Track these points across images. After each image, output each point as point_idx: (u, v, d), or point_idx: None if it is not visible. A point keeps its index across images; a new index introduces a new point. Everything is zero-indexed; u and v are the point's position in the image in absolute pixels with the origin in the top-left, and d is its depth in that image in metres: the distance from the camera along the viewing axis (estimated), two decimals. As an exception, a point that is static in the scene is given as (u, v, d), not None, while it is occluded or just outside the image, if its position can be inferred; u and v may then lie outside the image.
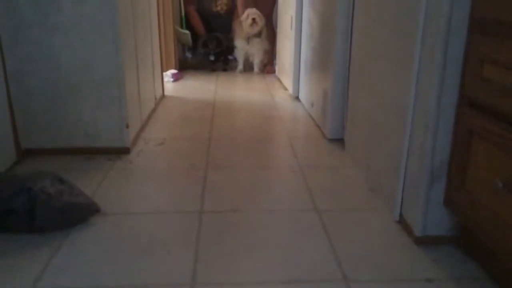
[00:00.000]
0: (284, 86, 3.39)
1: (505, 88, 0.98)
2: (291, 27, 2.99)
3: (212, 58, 4.02)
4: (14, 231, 1.34)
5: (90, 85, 1.88)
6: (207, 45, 3.99)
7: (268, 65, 4.05)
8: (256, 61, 4.00)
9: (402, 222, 1.42)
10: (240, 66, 4.06)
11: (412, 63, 1.29)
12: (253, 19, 3.74)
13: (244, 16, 3.80)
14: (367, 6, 1.72)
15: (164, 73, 3.22)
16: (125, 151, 1.99)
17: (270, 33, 3.96)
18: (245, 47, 3.95)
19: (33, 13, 1.78)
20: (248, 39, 3.88)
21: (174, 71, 3.67)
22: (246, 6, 3.92)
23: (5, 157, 1.78)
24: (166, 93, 3.13)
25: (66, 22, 1.80)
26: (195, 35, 4.16)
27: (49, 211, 1.33)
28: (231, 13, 4.26)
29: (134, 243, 1.32)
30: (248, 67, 4.09)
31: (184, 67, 4.05)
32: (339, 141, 2.15)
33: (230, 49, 4.10)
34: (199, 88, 3.45)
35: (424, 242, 1.31)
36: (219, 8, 4.23)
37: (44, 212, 1.32)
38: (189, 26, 4.20)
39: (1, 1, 1.75)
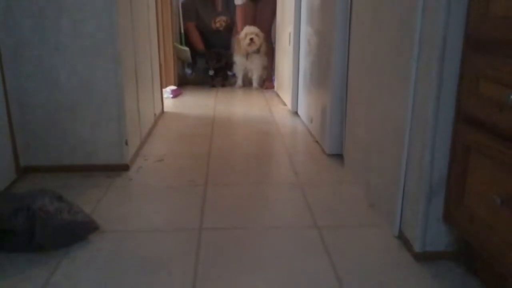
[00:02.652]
0: (283, 102, 3.41)
1: (500, 104, 0.99)
2: (289, 43, 3.02)
3: (211, 73, 4.05)
4: (13, 250, 1.34)
5: (90, 103, 1.89)
6: (207, 61, 4.03)
7: (267, 81, 4.08)
8: (255, 77, 4.02)
9: (401, 237, 1.41)
10: (239, 81, 4.09)
11: (409, 79, 1.30)
12: (251, 39, 3.78)
13: (242, 35, 3.84)
14: (364, 23, 1.74)
15: (163, 90, 3.24)
16: (125, 168, 1.99)
17: (268, 48, 3.99)
18: (244, 62, 3.98)
19: (34, 32, 1.80)
20: (247, 55, 3.92)
21: (173, 87, 3.69)
22: (245, 23, 3.96)
23: (4, 175, 1.78)
24: (165, 109, 3.14)
25: (66, 41, 1.82)
26: (194, 52, 4.20)
27: (48, 230, 1.33)
28: (230, 30, 4.30)
29: (133, 261, 1.32)
30: (247, 83, 4.12)
31: (183, 83, 4.08)
32: (338, 156, 2.16)
33: (230, 65, 4.14)
34: (198, 104, 3.47)
35: (424, 258, 1.31)
36: (218, 24, 4.26)
37: (43, 230, 1.32)
38: (188, 42, 4.23)
39: (2, 20, 1.77)
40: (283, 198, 1.78)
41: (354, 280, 1.23)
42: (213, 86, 4.08)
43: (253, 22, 3.99)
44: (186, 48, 4.13)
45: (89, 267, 1.29)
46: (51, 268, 1.28)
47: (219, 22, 4.27)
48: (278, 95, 3.67)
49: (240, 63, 4.00)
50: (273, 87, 3.95)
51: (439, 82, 1.18)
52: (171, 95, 3.59)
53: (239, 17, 4.03)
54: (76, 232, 1.41)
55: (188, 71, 4.42)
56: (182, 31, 4.20)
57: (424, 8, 1.23)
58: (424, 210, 1.27)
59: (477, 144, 1.09)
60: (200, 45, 4.24)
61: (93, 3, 1.79)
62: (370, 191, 1.69)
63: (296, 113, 3.05)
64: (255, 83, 4.04)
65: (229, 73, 4.24)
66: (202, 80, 4.17)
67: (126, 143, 1.96)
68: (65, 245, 1.38)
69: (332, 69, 2.10)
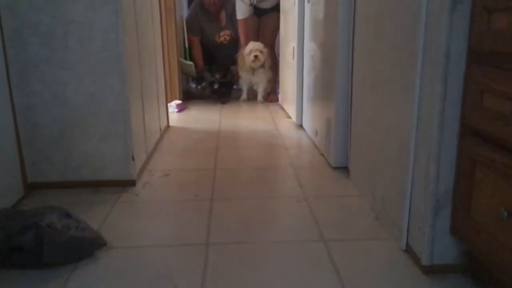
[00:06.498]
0: (288, 115, 3.42)
1: (505, 117, 0.99)
2: (293, 57, 3.04)
3: (216, 86, 4.06)
4: (22, 266, 1.35)
5: (96, 119, 1.91)
6: (212, 74, 4.04)
7: (272, 94, 4.09)
8: (260, 90, 4.04)
9: (409, 251, 1.41)
10: (244, 95, 4.11)
11: (413, 92, 1.31)
12: (255, 56, 3.81)
13: (246, 51, 3.86)
14: (366, 37, 1.76)
15: (168, 104, 3.26)
16: (131, 183, 2.00)
17: (273, 62, 4.01)
18: (249, 76, 4.00)
19: (41, 51, 1.82)
20: (252, 70, 3.94)
21: (178, 101, 3.71)
22: (248, 37, 3.99)
23: (12, 192, 1.80)
24: (171, 123, 3.16)
25: (73, 59, 1.84)
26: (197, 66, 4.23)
27: (56, 247, 1.34)
28: (234, 44, 4.33)
29: (140, 277, 1.32)
30: (252, 96, 4.14)
31: (188, 98, 4.10)
32: (344, 169, 2.16)
33: (235, 79, 4.16)
34: (203, 118, 3.48)
35: (431, 271, 1.30)
36: (222, 39, 4.30)
37: (51, 247, 1.33)
38: (191, 56, 4.26)
39: (11, 39, 1.80)
40: (289, 212, 1.78)
41: (362, 294, 1.23)
42: (222, 102, 4.05)
43: (256, 36, 4.02)
44: (191, 63, 4.16)
45: (97, 284, 1.29)
46: (59, 285, 1.28)
47: (224, 36, 4.30)
48: (282, 108, 3.68)
49: (245, 77, 4.03)
50: (277, 100, 3.97)
51: (443, 95, 1.18)
52: (176, 109, 3.62)
53: (241, 30, 4.06)
54: (84, 248, 1.42)
55: (193, 85, 4.45)
56: (187, 45, 4.24)
57: (426, 22, 1.24)
58: (431, 223, 1.27)
59: (483, 157, 1.09)
60: (200, 62, 4.26)
61: (99, 21, 1.81)
62: (376, 203, 1.69)
63: (301, 126, 3.06)
64: (260, 97, 4.05)
65: (235, 86, 4.26)
66: (207, 94, 4.19)
67: (133, 158, 1.98)
68: (72, 261, 1.38)
69: (336, 82, 2.11)
